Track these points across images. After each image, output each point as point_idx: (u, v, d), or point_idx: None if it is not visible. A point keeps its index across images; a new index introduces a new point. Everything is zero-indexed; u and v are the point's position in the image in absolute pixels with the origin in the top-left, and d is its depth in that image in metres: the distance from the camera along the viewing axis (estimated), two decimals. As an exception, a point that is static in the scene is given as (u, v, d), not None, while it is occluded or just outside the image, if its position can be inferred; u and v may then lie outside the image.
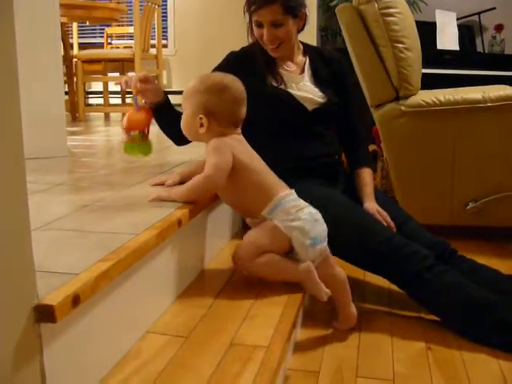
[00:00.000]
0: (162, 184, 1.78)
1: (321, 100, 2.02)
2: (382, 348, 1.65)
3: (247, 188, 1.59)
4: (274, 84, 2.00)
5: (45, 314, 0.90)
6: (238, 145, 1.61)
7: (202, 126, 1.59)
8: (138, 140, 1.80)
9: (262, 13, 1.89)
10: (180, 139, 1.82)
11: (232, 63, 2.04)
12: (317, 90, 2.03)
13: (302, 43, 2.13)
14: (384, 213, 1.93)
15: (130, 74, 1.93)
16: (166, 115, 1.88)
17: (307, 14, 2.00)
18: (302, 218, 1.55)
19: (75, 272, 1.03)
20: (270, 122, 2.02)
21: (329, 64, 2.11)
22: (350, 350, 1.63)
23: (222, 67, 2.05)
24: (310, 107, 2.01)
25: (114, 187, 1.81)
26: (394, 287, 1.85)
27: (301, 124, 2.01)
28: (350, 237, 1.81)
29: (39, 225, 1.35)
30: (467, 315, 1.70)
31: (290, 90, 2.00)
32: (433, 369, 1.53)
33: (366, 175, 2.08)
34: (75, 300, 0.95)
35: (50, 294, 0.94)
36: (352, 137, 2.17)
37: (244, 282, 1.64)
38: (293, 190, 1.63)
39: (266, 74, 2.01)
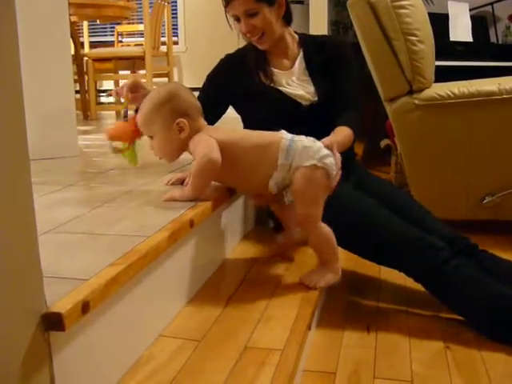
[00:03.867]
0: (180, 183, 1.78)
1: (311, 97, 1.96)
2: (399, 348, 1.62)
3: (245, 156, 1.58)
4: (265, 82, 1.97)
5: (53, 322, 0.88)
6: (211, 131, 1.63)
7: (181, 130, 1.59)
8: (124, 150, 1.89)
9: (233, 4, 1.87)
10: None
11: (225, 65, 2.05)
12: (308, 86, 1.97)
13: (298, 34, 2.07)
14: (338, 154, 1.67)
15: (122, 83, 1.95)
16: None
17: (287, 0, 1.94)
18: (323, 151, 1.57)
19: (84, 278, 1.01)
20: (266, 121, 1.95)
21: (322, 49, 2.01)
22: (366, 350, 1.60)
23: (217, 70, 2.06)
24: (304, 102, 1.96)
25: (124, 188, 1.78)
26: (410, 285, 1.82)
27: (296, 121, 1.90)
28: (363, 230, 1.78)
29: (48, 228, 1.34)
30: (487, 311, 1.64)
31: (280, 88, 1.96)
32: (452, 369, 1.50)
33: (342, 129, 1.85)
34: (85, 307, 0.93)
35: (59, 301, 0.91)
36: (341, 105, 1.96)
37: (258, 283, 1.62)
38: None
39: (257, 72, 1.99)
